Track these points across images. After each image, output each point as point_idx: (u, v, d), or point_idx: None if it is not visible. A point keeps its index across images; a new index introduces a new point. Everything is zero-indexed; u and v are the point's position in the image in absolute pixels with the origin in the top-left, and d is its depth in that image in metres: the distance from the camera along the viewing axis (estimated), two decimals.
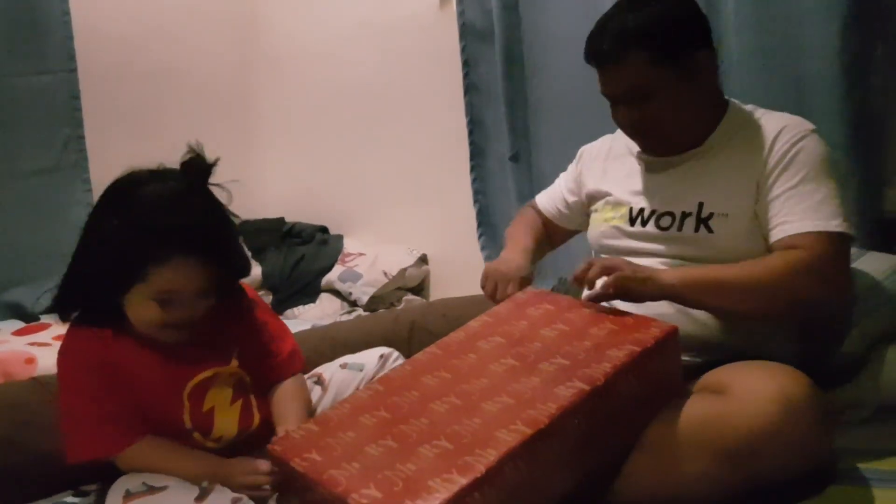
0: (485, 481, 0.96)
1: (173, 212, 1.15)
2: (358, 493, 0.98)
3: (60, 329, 2.09)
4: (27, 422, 1.44)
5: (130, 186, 1.19)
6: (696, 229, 1.40)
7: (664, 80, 1.36)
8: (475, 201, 2.60)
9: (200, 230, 1.16)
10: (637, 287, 1.26)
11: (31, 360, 1.86)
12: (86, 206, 2.65)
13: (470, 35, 2.50)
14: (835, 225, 1.30)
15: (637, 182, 1.52)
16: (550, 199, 1.75)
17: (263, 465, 1.15)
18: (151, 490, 1.13)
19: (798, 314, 1.38)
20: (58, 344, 1.95)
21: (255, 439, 1.26)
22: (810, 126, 1.41)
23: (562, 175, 1.75)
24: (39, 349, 1.93)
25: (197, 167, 1.19)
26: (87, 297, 1.22)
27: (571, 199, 1.69)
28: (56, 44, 2.57)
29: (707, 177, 1.42)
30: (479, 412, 1.08)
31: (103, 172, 2.64)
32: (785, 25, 1.82)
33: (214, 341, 1.27)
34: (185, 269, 1.15)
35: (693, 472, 1.09)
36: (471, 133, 2.57)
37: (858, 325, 1.52)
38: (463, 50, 2.53)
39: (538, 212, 1.77)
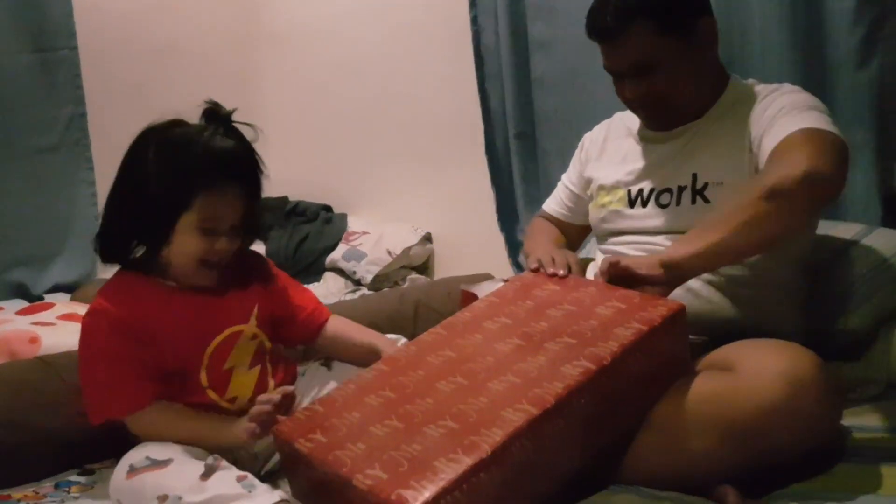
0: (491, 461, 0.96)
1: (215, 140, 1.21)
2: (363, 474, 0.98)
3: (64, 308, 2.11)
4: (32, 401, 1.44)
5: (164, 128, 1.24)
6: (693, 201, 1.40)
7: (670, 49, 1.36)
8: (492, 181, 2.55)
9: (242, 157, 1.23)
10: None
11: (34, 340, 1.86)
12: (89, 185, 2.65)
13: (480, 7, 2.46)
14: (820, 124, 1.27)
15: (634, 163, 1.51)
16: (556, 199, 1.73)
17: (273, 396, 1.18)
18: (155, 464, 1.12)
19: (819, 201, 1.27)
20: (62, 323, 1.99)
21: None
22: (797, 88, 1.41)
23: (564, 176, 1.73)
24: (43, 328, 1.93)
25: (217, 113, 1.24)
26: (130, 238, 1.25)
27: (578, 190, 1.67)
28: (56, 21, 2.56)
29: (700, 149, 1.42)
30: (484, 391, 1.07)
31: (106, 151, 2.67)
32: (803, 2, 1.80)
33: (236, 298, 1.30)
34: (228, 196, 1.21)
35: (700, 450, 1.09)
36: (484, 111, 2.53)
37: (866, 302, 1.51)
38: (473, 21, 2.48)
39: (548, 218, 1.74)
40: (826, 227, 1.65)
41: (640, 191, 1.47)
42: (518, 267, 2.44)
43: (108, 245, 1.26)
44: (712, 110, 1.44)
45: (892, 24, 1.72)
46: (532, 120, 2.38)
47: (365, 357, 1.34)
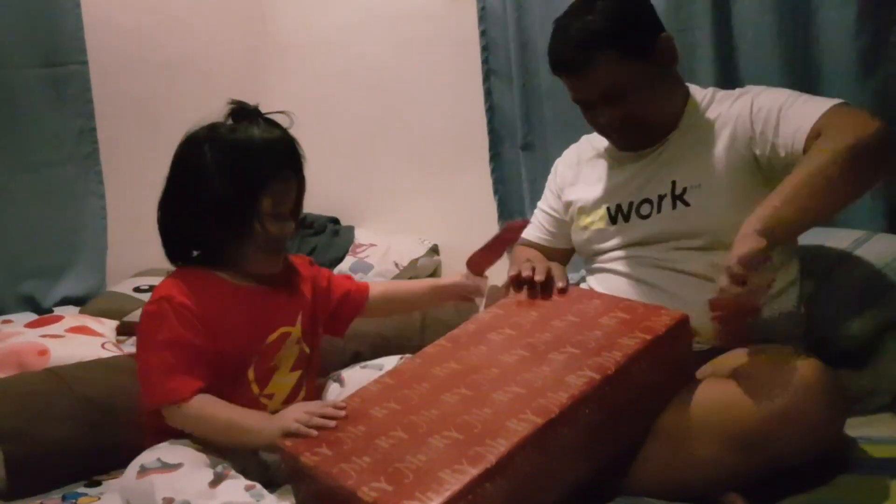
0: (496, 472, 0.96)
1: (264, 133, 1.27)
2: (368, 486, 0.98)
3: (73, 321, 2.12)
4: (41, 413, 1.45)
5: (210, 131, 1.28)
6: (674, 206, 1.41)
7: (636, 73, 1.38)
8: (495, 191, 2.55)
9: (290, 143, 1.30)
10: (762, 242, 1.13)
11: (43, 352, 1.87)
12: (99, 198, 2.67)
13: (490, 19, 2.47)
14: (837, 102, 1.30)
15: (611, 181, 1.52)
16: (536, 226, 1.71)
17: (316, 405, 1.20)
18: (166, 467, 1.13)
19: (885, 154, 1.26)
20: (71, 336, 2.00)
21: None
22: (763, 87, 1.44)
23: (540, 202, 1.73)
24: (52, 341, 1.94)
25: (246, 110, 1.29)
26: (197, 238, 1.31)
27: (557, 214, 1.66)
28: (67, 36, 2.58)
29: (675, 157, 1.44)
30: (489, 402, 1.07)
31: (116, 164, 2.69)
32: (800, 10, 1.80)
33: (285, 300, 1.35)
34: (288, 181, 1.29)
35: (706, 458, 1.08)
36: (490, 121, 2.53)
37: (869, 307, 1.50)
38: (482, 34, 2.49)
39: (529, 245, 1.71)
40: (828, 233, 1.65)
41: (619, 206, 1.48)
42: None
43: (173, 247, 1.32)
44: (682, 121, 1.45)
45: (893, 35, 1.72)
46: (539, 131, 2.39)
47: (427, 295, 1.53)
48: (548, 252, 1.68)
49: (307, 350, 1.37)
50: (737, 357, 1.20)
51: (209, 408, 1.22)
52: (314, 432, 1.13)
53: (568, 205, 1.61)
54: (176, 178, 1.29)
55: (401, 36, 2.82)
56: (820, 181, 1.19)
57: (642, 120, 1.42)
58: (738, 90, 1.46)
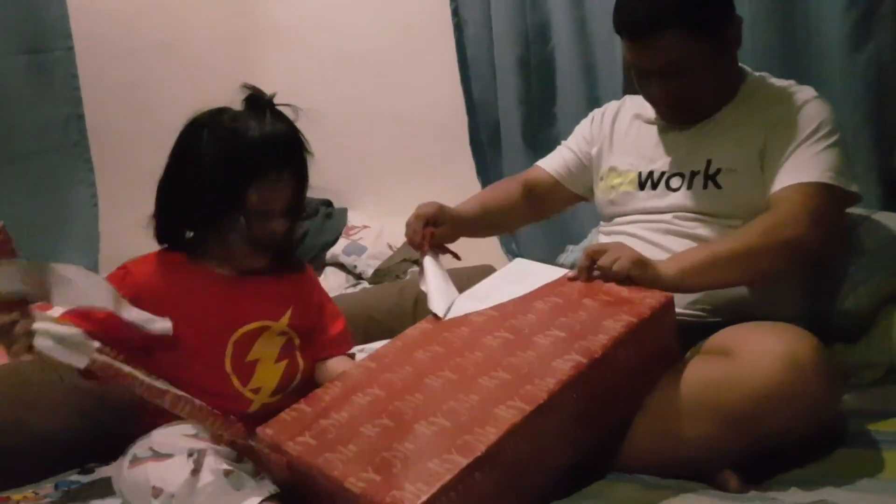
0: (486, 460, 0.95)
1: (266, 126, 1.23)
2: (355, 477, 0.97)
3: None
4: (32, 402, 1.45)
5: (214, 116, 1.25)
6: (705, 186, 1.40)
7: (701, 54, 1.34)
8: (478, 172, 2.56)
9: (292, 140, 1.25)
10: (641, 277, 1.22)
11: None
12: (88, 186, 2.64)
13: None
14: (827, 177, 1.30)
15: (647, 146, 1.50)
16: (557, 159, 1.68)
17: None
18: (157, 456, 1.12)
19: (797, 264, 1.34)
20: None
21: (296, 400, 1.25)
22: (814, 93, 1.41)
23: (567, 141, 1.69)
24: None
25: (260, 99, 1.25)
26: (185, 223, 1.28)
27: (581, 157, 1.63)
28: (52, 22, 2.54)
29: (715, 136, 1.42)
30: (475, 388, 1.06)
31: (105, 151, 2.66)
32: None
33: (273, 296, 1.31)
34: (283, 179, 1.24)
35: (699, 435, 1.08)
36: (468, 102, 2.54)
37: (865, 284, 1.51)
38: (454, 13, 2.48)
39: (540, 174, 1.69)
40: None
41: (651, 173, 1.47)
42: (512, 256, 2.44)
43: (163, 230, 1.28)
44: (729, 105, 1.43)
45: (888, 4, 1.70)
46: (513, 109, 2.38)
47: None
48: (554, 189, 1.67)
49: (297, 340, 1.33)
50: (730, 334, 1.20)
51: None
52: None
53: (599, 159, 1.59)
54: (174, 159, 1.27)
55: (390, 17, 2.79)
56: (741, 263, 1.26)
57: (694, 99, 1.40)
58: (791, 87, 1.43)
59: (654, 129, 1.51)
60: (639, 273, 1.20)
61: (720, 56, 1.38)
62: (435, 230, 1.46)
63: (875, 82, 1.74)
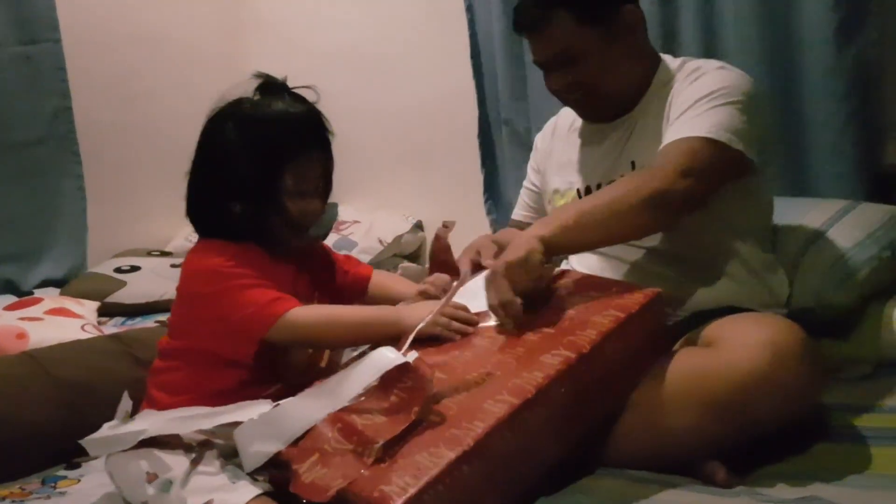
0: (473, 454, 0.95)
1: (290, 109, 1.24)
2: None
3: (52, 303, 2.10)
4: (19, 396, 1.44)
5: (234, 106, 1.25)
6: None
7: (591, 40, 1.37)
8: (482, 164, 2.56)
9: (317, 120, 1.27)
10: (523, 269, 1.18)
11: (21, 336, 1.85)
12: (76, 178, 2.63)
13: None
14: (706, 131, 1.27)
15: (581, 162, 1.52)
16: (521, 204, 1.71)
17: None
18: (153, 442, 1.12)
19: (666, 217, 1.28)
20: (50, 318, 1.99)
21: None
22: (720, 64, 1.41)
23: (525, 181, 1.72)
24: (31, 324, 1.92)
25: (274, 84, 1.26)
26: (226, 211, 1.25)
27: (538, 190, 1.66)
28: (38, 13, 2.53)
29: (635, 136, 1.43)
30: (464, 383, 1.06)
31: (93, 143, 2.65)
32: None
33: (304, 279, 1.31)
34: (314, 159, 1.25)
35: (683, 427, 1.08)
36: (480, 95, 2.52)
37: (851, 278, 1.51)
38: (468, 8, 2.48)
39: (516, 226, 1.68)
40: (811, 204, 1.65)
41: (588, 188, 1.48)
42: None
43: (202, 220, 1.28)
44: (645, 96, 1.44)
45: (874, 2, 1.72)
46: (524, 105, 2.37)
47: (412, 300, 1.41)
48: None
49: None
50: (714, 326, 1.20)
51: (324, 309, 1.24)
52: (457, 336, 1.17)
53: (545, 185, 1.61)
54: (202, 157, 1.26)
55: (384, 10, 2.79)
56: (606, 217, 1.23)
57: (594, 89, 1.41)
58: (696, 64, 1.43)
59: (584, 140, 1.52)
60: (523, 276, 1.16)
61: (615, 42, 1.38)
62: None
63: (861, 78, 1.75)
